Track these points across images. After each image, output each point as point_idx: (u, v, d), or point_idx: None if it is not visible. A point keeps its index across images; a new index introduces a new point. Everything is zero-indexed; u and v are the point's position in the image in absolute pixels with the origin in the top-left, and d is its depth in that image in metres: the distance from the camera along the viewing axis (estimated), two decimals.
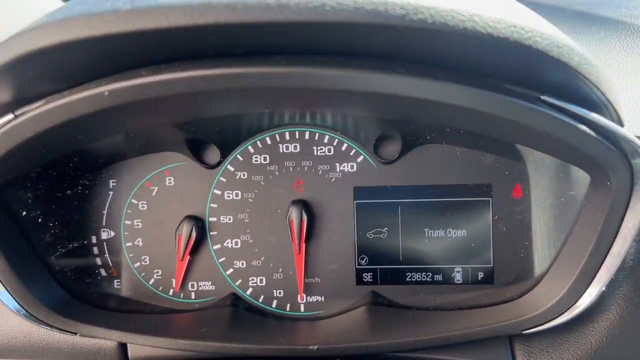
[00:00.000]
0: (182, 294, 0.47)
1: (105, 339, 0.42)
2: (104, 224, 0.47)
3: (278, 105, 0.36)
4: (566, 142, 0.34)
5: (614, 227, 0.37)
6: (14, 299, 0.41)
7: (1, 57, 0.31)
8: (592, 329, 0.38)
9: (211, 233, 0.46)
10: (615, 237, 0.36)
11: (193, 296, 0.47)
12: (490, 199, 0.44)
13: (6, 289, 0.40)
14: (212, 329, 0.42)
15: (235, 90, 0.30)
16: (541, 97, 0.33)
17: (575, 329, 0.38)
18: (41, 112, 0.33)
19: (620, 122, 0.35)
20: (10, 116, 0.35)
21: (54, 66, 0.31)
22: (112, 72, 0.31)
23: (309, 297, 0.46)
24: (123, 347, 0.43)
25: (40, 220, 0.43)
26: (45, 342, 0.43)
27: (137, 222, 0.47)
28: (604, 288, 0.37)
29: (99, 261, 0.47)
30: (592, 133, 0.33)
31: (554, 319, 0.38)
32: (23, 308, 0.42)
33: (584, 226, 0.37)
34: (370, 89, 0.30)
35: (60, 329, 0.42)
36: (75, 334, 0.42)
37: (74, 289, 0.44)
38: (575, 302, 0.38)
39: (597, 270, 0.37)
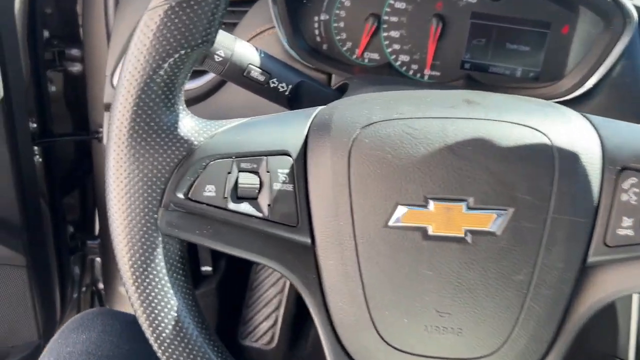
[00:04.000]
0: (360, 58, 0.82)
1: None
2: (323, 9, 0.80)
3: None
4: None
5: (609, 50, 0.69)
6: (288, 40, 0.76)
7: None
8: (588, 103, 0.72)
9: (383, 26, 0.80)
10: (607, 56, 0.68)
11: (366, 61, 0.81)
12: (549, 31, 0.76)
13: (286, 35, 0.76)
14: None
15: None
16: None
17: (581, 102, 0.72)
18: None
19: None
20: None
21: None
22: None
23: (431, 72, 0.81)
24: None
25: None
26: None
27: (342, 12, 0.80)
28: (595, 82, 0.70)
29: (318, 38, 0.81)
30: None
31: (568, 94, 0.72)
32: (292, 49, 0.75)
33: (595, 48, 0.69)
34: None
35: (312, 68, 0.76)
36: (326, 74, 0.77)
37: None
38: (580, 87, 0.71)
39: (595, 71, 0.70)
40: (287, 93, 0.59)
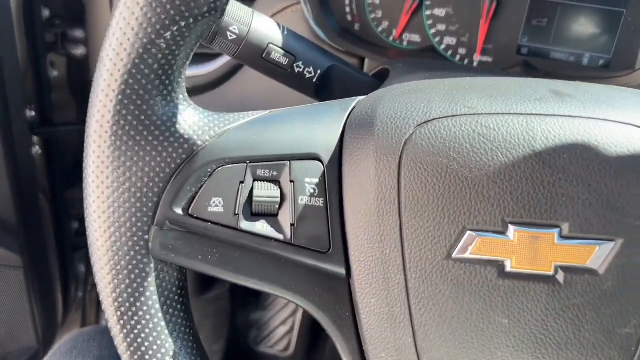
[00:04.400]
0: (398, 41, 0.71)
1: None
2: None
3: None
4: None
5: None
6: (315, 19, 0.65)
7: None
8: None
9: (426, 3, 0.68)
10: None
11: (405, 44, 0.70)
12: (625, 10, 0.64)
13: (313, 13, 0.65)
14: None
15: None
16: None
17: None
18: None
19: None
20: None
21: None
22: None
23: (481, 57, 0.69)
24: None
25: None
26: None
27: None
28: None
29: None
30: None
31: None
32: (320, 29, 0.65)
33: None
34: None
35: (342, 51, 0.65)
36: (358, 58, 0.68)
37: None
38: None
39: None
40: (314, 80, 0.48)
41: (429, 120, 0.34)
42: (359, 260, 0.35)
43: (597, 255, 0.32)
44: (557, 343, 0.33)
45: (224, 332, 1.27)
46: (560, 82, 0.38)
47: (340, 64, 0.50)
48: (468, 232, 0.33)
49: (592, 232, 0.32)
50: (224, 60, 0.69)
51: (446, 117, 0.34)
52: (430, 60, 0.64)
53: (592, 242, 0.32)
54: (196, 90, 0.68)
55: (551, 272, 0.33)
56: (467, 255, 0.33)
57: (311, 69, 0.47)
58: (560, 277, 0.32)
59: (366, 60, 0.67)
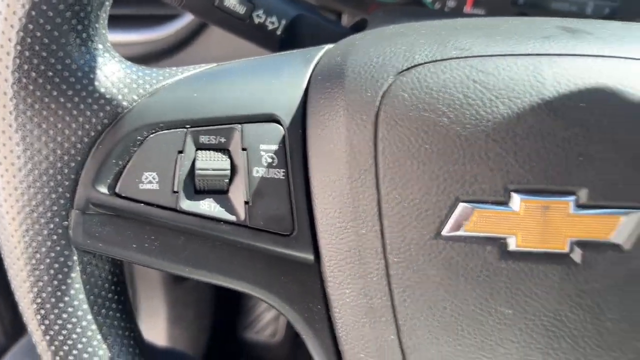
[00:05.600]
0: None
1: None
2: None
3: None
4: None
5: None
6: None
7: None
8: None
9: None
10: None
11: None
12: None
13: None
14: None
15: None
16: None
17: None
18: None
19: None
20: None
21: None
22: None
23: (473, 9, 0.63)
24: None
25: None
26: None
27: None
28: None
29: None
30: None
31: None
32: None
33: None
34: None
35: (317, 6, 0.60)
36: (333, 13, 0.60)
37: None
38: None
39: None
40: (279, 32, 0.41)
41: (411, 67, 0.27)
42: (330, 243, 0.29)
43: (622, 228, 0.26)
44: (572, 336, 0.27)
45: (207, 321, 1.21)
46: (570, 20, 0.31)
47: (310, 12, 0.43)
48: (462, 204, 0.26)
49: (616, 199, 0.26)
50: (184, 21, 0.61)
51: (433, 61, 0.27)
52: (417, 7, 0.57)
53: (616, 212, 0.26)
54: (151, 58, 0.61)
55: (565, 250, 0.26)
56: (461, 232, 0.27)
57: (274, 19, 0.40)
58: (577, 255, 0.26)
59: (343, 17, 0.60)
